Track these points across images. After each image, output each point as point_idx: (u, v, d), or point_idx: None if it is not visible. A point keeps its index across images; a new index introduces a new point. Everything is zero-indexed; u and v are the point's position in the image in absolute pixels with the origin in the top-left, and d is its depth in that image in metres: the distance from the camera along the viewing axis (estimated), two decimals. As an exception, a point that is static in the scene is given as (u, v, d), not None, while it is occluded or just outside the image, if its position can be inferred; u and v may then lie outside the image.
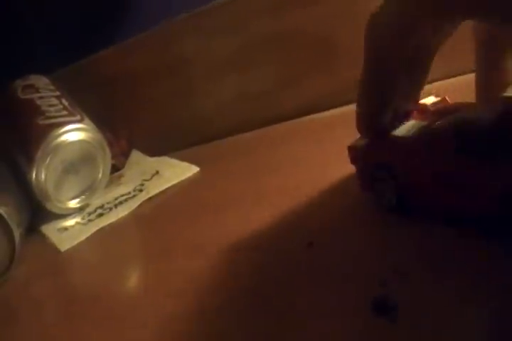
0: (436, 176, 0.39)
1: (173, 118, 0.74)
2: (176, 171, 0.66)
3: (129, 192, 0.65)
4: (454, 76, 0.63)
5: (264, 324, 0.37)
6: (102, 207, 0.65)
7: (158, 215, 0.59)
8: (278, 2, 0.66)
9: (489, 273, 0.34)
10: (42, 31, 0.84)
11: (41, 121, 0.67)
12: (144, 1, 0.75)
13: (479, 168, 0.36)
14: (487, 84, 0.44)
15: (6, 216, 0.55)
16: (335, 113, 0.66)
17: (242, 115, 0.70)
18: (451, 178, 0.38)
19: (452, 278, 0.35)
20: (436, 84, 0.60)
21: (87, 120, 0.67)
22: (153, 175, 0.67)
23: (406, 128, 0.45)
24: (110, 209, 0.64)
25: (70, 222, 0.64)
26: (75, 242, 0.59)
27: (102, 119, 0.69)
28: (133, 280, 0.52)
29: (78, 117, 0.67)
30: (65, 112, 0.67)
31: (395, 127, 0.45)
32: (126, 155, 0.73)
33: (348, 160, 0.46)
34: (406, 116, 0.46)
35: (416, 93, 0.44)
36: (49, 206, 0.65)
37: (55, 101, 0.70)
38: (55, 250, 0.59)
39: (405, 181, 0.41)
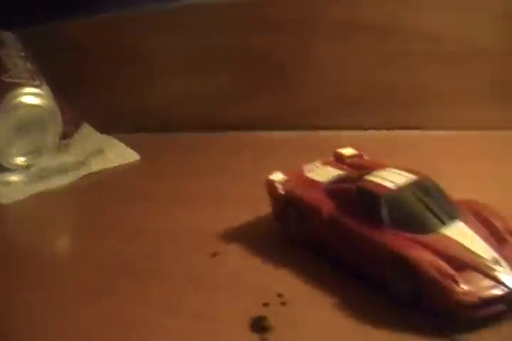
0: (331, 224, 0.47)
1: (126, 102, 0.79)
2: (119, 154, 0.72)
3: (73, 163, 0.71)
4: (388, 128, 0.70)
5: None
6: (45, 170, 0.70)
7: (94, 192, 0.66)
8: (248, 21, 0.72)
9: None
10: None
11: (6, 79, 0.71)
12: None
13: (370, 233, 0.44)
14: None
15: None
16: (277, 135, 0.73)
17: (188, 115, 0.76)
18: (344, 233, 0.46)
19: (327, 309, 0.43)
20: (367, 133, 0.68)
21: (45, 86, 0.71)
22: (98, 152, 0.73)
23: (321, 173, 0.53)
24: (52, 174, 0.69)
25: (14, 178, 0.69)
26: (16, 198, 0.65)
27: (59, 87, 0.73)
28: (59, 246, 0.58)
29: (38, 82, 0.71)
30: (26, 75, 0.72)
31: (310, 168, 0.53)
32: (77, 125, 0.78)
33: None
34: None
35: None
36: (-1, 159, 0.69)
37: (20, 61, 0.75)
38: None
39: (310, 220, 0.49)
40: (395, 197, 0.45)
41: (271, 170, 0.53)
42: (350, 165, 0.54)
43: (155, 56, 0.78)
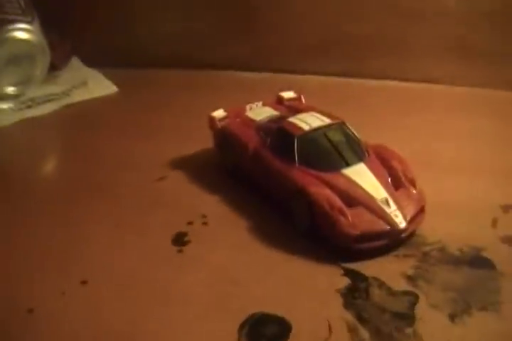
0: (254, 158, 0.51)
1: (115, 36, 0.82)
2: (100, 87, 0.76)
3: (58, 94, 0.76)
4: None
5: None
6: (32, 100, 0.75)
7: (72, 121, 0.71)
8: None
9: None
10: None
11: (-1, 15, 0.75)
12: None
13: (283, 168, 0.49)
14: None
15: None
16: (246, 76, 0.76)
17: (167, 54, 0.79)
18: (264, 166, 0.50)
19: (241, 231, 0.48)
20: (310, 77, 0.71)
21: (36, 22, 0.75)
22: (81, 84, 0.77)
23: (261, 112, 0.57)
24: (38, 103, 0.74)
25: (3, 105, 0.74)
26: (3, 124, 0.70)
27: (51, 21, 0.77)
28: (46, 169, 0.64)
29: (29, 18, 0.75)
30: (19, 11, 0.75)
31: (252, 108, 0.57)
32: (67, 57, 0.82)
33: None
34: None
35: None
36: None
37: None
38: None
39: (240, 153, 0.53)
40: (307, 138, 0.49)
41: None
42: (288, 107, 0.57)
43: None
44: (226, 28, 0.78)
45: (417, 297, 0.41)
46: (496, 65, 0.69)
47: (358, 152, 0.49)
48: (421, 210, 0.47)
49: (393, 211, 0.45)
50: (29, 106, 0.74)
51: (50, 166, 0.65)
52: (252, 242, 0.47)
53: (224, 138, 0.55)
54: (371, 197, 0.46)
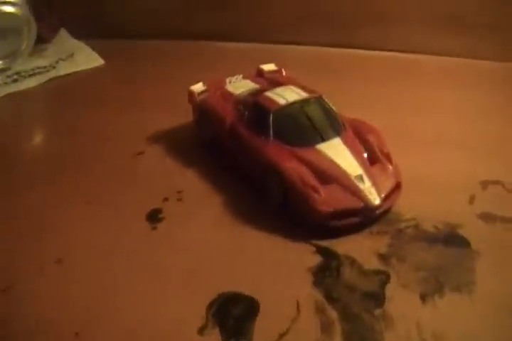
0: (231, 133, 0.49)
1: (102, 7, 0.79)
2: (86, 59, 0.74)
3: (45, 67, 0.73)
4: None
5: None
6: (19, 73, 0.72)
7: (57, 94, 0.68)
8: None
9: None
10: None
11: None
12: None
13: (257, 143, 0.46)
14: None
15: None
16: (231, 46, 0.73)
17: (160, 22, 0.76)
18: (240, 142, 0.48)
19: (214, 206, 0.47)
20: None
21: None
22: (68, 57, 0.75)
23: (240, 85, 0.54)
24: (25, 77, 0.72)
25: (-11, 80, 0.72)
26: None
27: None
28: (29, 144, 0.62)
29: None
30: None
31: (231, 81, 0.54)
32: (55, 29, 0.80)
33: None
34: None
35: None
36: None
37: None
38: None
39: (217, 128, 0.51)
40: (283, 113, 0.47)
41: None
42: (268, 80, 0.55)
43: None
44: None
45: (388, 276, 0.40)
46: (483, 35, 0.65)
47: (335, 127, 0.47)
48: (396, 186, 0.45)
49: (367, 188, 0.43)
50: (15, 80, 0.72)
51: (34, 141, 0.63)
52: (225, 219, 0.46)
53: (202, 112, 0.53)
54: (345, 173, 0.44)
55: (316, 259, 0.41)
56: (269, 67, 0.56)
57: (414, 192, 0.46)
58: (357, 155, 0.45)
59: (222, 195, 0.48)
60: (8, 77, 0.72)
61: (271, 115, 0.46)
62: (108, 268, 0.42)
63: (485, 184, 0.48)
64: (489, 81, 0.63)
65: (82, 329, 0.37)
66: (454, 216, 0.44)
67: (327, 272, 0.40)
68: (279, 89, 0.49)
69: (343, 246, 0.42)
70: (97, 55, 0.75)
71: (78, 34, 0.79)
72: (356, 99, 0.58)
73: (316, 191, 0.42)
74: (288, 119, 0.46)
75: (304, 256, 0.42)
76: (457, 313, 0.37)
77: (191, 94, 0.54)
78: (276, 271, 0.41)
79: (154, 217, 0.46)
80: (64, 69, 0.73)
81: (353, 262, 0.41)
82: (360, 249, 0.42)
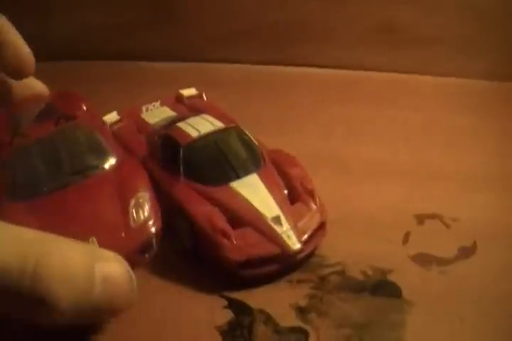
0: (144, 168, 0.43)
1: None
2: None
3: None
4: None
5: None
6: None
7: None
8: None
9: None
10: None
11: None
12: None
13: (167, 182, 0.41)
14: None
15: None
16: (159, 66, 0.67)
17: (86, 45, 0.70)
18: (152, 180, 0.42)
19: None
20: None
21: None
22: None
23: (157, 113, 0.49)
24: None
25: None
26: None
27: None
28: None
29: None
30: None
31: (148, 109, 0.49)
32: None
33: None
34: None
35: None
36: None
37: None
38: None
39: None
40: (194, 147, 0.41)
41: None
42: (188, 107, 0.49)
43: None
44: (143, 18, 0.68)
45: (306, 335, 0.34)
46: (424, 50, 0.60)
47: (253, 161, 0.41)
48: (321, 227, 0.39)
49: (286, 231, 0.37)
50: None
51: None
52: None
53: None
54: (261, 215, 0.38)
55: (227, 315, 0.36)
56: (189, 91, 0.51)
57: (342, 231, 0.40)
58: (275, 193, 0.39)
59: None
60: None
61: (181, 150, 0.41)
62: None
63: (421, 218, 0.42)
64: (431, 98, 0.58)
65: None
66: (385, 259, 0.39)
67: (238, 331, 0.35)
68: (192, 119, 0.43)
69: (257, 298, 0.36)
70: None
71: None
72: (285, 124, 0.53)
73: (227, 237, 0.37)
74: (199, 154, 0.41)
75: (213, 310, 0.36)
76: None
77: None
78: (179, 330, 0.35)
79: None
80: None
81: (267, 319, 0.35)
82: (276, 301, 0.36)
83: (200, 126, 0.42)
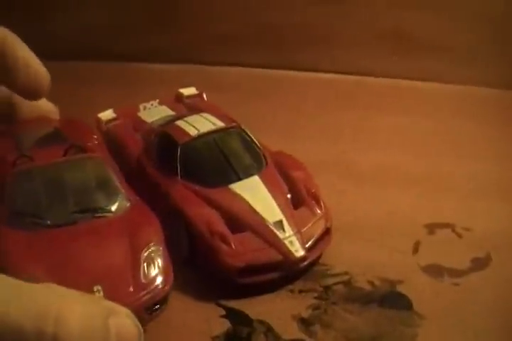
0: (136, 168, 0.41)
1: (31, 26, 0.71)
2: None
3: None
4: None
5: None
6: None
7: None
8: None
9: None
10: None
11: None
12: None
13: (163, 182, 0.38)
14: None
15: None
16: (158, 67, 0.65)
17: (82, 45, 0.68)
18: (146, 180, 0.39)
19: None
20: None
21: None
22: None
23: (155, 112, 0.46)
24: None
25: None
26: None
27: None
28: None
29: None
30: None
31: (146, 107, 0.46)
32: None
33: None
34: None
35: None
36: None
37: None
38: None
39: (122, 161, 0.42)
40: (192, 146, 0.38)
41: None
42: (187, 106, 0.47)
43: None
44: (146, 19, 0.67)
45: (309, 349, 0.31)
46: (433, 57, 0.58)
47: (254, 162, 0.39)
48: (326, 234, 0.36)
49: (288, 237, 0.35)
50: None
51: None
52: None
53: (109, 142, 0.44)
54: (262, 219, 0.35)
55: (224, 325, 0.33)
56: (189, 91, 0.48)
57: (348, 239, 0.38)
58: (278, 196, 0.37)
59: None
60: None
61: (178, 149, 0.38)
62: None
63: (431, 228, 0.40)
64: (436, 106, 0.55)
65: None
66: (394, 269, 0.36)
67: (235, 343, 0.32)
68: (192, 118, 0.41)
69: (257, 308, 0.34)
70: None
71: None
72: (289, 127, 0.50)
73: (226, 241, 0.34)
74: (198, 154, 0.38)
75: (209, 320, 0.33)
76: None
77: (98, 122, 0.46)
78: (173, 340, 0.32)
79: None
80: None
81: (268, 330, 0.32)
82: (277, 312, 0.33)
83: (200, 124, 0.40)
